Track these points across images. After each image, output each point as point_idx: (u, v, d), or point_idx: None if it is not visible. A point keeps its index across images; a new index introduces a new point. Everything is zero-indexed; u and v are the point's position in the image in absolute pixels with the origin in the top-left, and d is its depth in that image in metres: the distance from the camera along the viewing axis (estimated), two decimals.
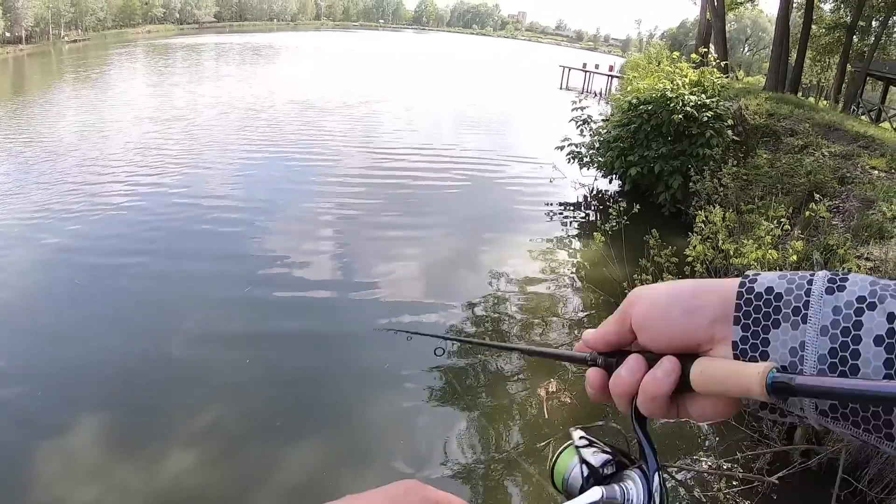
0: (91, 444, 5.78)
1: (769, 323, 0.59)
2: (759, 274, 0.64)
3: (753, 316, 0.60)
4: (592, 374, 0.72)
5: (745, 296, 0.61)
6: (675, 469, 5.90)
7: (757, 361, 0.59)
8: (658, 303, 0.66)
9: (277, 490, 5.37)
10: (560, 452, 0.76)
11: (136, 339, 7.60)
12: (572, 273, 10.82)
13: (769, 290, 0.60)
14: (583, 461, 0.74)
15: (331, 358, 7.56)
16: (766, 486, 5.40)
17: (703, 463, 6.02)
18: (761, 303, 0.60)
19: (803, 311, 0.58)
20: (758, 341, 0.60)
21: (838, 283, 0.58)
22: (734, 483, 5.56)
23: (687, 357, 0.63)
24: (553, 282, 10.21)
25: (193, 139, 18.62)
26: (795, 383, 0.54)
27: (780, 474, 5.38)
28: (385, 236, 11.62)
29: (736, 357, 0.61)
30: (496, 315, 8.82)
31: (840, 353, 0.55)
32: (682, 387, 0.63)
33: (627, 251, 8.54)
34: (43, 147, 17.41)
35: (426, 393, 6.90)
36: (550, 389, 6.82)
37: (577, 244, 12.54)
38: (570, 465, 0.73)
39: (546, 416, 6.43)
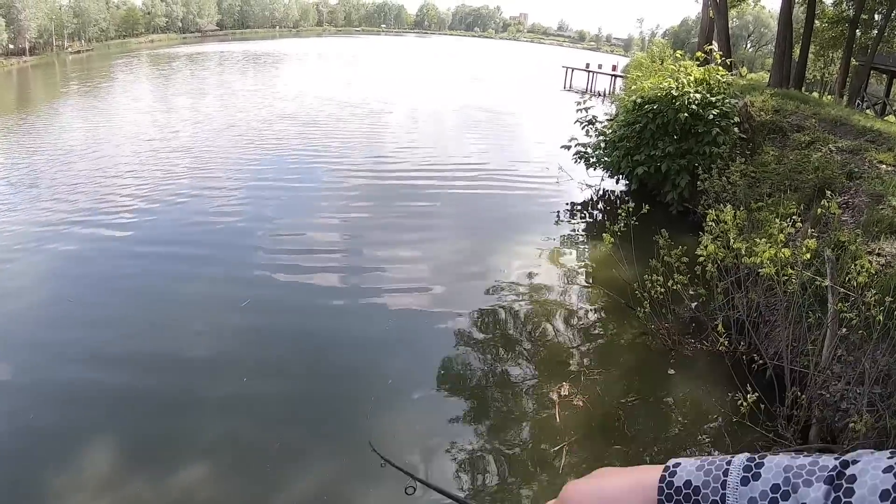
0: (101, 458, 5.76)
1: None
2: (679, 464, 0.66)
3: None
4: None
5: (666, 490, 0.64)
6: None
7: None
8: (588, 502, 0.69)
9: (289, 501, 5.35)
10: None
11: (145, 349, 7.60)
12: (581, 274, 10.79)
13: (687, 483, 0.63)
14: None
15: (339, 367, 7.53)
16: None
17: None
18: (681, 497, 0.63)
19: None
20: None
21: (753, 470, 0.60)
22: None
23: None
24: (562, 283, 10.18)
25: (198, 149, 18.65)
26: None
27: None
28: (392, 240, 11.61)
29: None
30: (505, 317, 8.79)
31: None
32: None
33: (636, 251, 8.50)
34: (47, 158, 17.48)
35: (438, 397, 6.88)
36: (563, 393, 6.78)
37: (585, 245, 12.50)
38: None
39: (558, 421, 6.39)
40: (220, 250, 10.85)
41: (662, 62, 18.76)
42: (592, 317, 9.04)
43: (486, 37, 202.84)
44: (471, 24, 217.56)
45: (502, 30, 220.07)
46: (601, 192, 15.96)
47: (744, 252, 6.54)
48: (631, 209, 8.03)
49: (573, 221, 14.07)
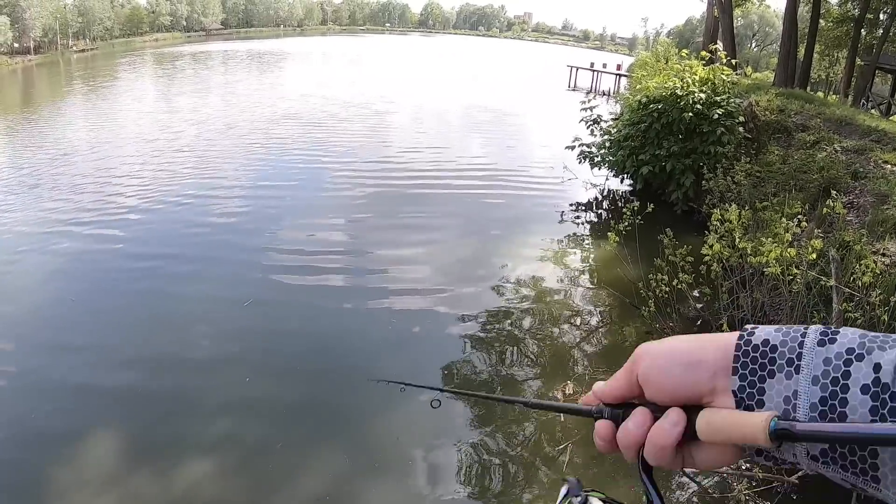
0: (103, 456, 5.79)
1: (765, 373, 0.64)
2: (757, 327, 0.67)
3: (750, 367, 0.64)
4: (601, 426, 0.77)
5: (743, 347, 0.65)
6: (695, 471, 5.87)
7: (753, 409, 0.64)
8: (661, 359, 0.70)
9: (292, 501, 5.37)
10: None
11: (148, 348, 7.63)
12: (586, 273, 10.80)
13: (765, 342, 0.64)
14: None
15: (341, 365, 7.54)
16: (786, 486, 5.37)
17: None
18: (758, 354, 0.64)
19: (797, 362, 0.62)
20: (754, 390, 0.64)
21: (830, 336, 0.61)
22: (754, 483, 5.52)
23: (691, 408, 0.67)
24: (567, 283, 10.20)
25: (201, 150, 18.66)
26: (797, 430, 0.58)
27: (799, 474, 5.34)
28: (396, 240, 11.61)
29: (735, 404, 0.65)
30: (509, 316, 8.80)
31: (830, 402, 0.59)
32: (687, 437, 0.67)
33: (641, 250, 8.51)
34: (51, 157, 17.53)
35: (442, 396, 6.87)
36: (567, 392, 6.80)
37: (590, 244, 12.51)
38: None
39: (562, 420, 6.40)
40: (223, 251, 10.86)
41: (667, 61, 18.78)
42: (597, 316, 9.05)
43: (491, 36, 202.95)
44: (475, 23, 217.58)
45: (506, 29, 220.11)
46: (606, 192, 15.95)
47: (749, 251, 6.55)
48: (636, 208, 8.03)
49: (578, 221, 14.08)
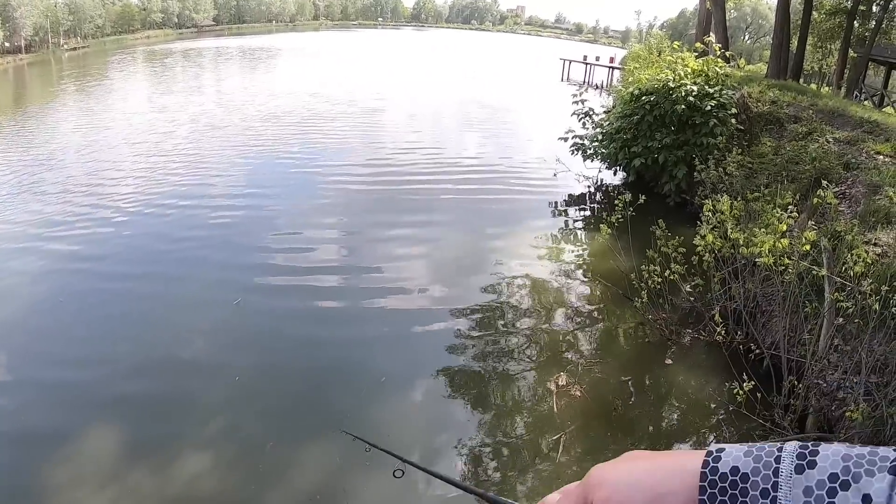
0: (102, 452, 5.78)
1: None
2: (724, 450, 0.61)
3: (720, 498, 0.58)
4: None
5: (710, 477, 0.59)
6: None
7: None
8: (620, 492, 0.64)
9: (287, 496, 5.36)
10: None
11: (142, 347, 7.59)
12: (579, 265, 10.80)
13: (734, 470, 0.58)
14: None
15: (336, 362, 7.53)
16: None
17: None
18: (727, 484, 0.58)
19: (772, 494, 0.55)
20: None
21: (808, 458, 0.55)
22: None
23: None
24: (560, 274, 10.19)
25: (192, 149, 18.40)
26: None
27: None
28: (390, 235, 11.59)
29: None
30: (503, 309, 8.80)
31: None
32: None
33: (634, 242, 8.52)
34: (40, 158, 17.41)
35: (436, 390, 6.89)
36: (561, 383, 6.80)
37: (583, 236, 12.51)
38: None
39: (556, 411, 6.41)
40: (214, 250, 10.76)
41: (660, 54, 18.76)
42: (590, 307, 9.05)
43: (484, 30, 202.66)
44: (468, 16, 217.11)
45: (499, 22, 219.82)
46: (599, 184, 15.96)
47: (741, 242, 6.55)
48: (628, 200, 8.03)
49: (571, 213, 14.08)
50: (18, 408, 6.48)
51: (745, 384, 5.60)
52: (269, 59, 58.22)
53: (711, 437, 6.26)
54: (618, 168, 15.32)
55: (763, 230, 6.52)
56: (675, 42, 18.68)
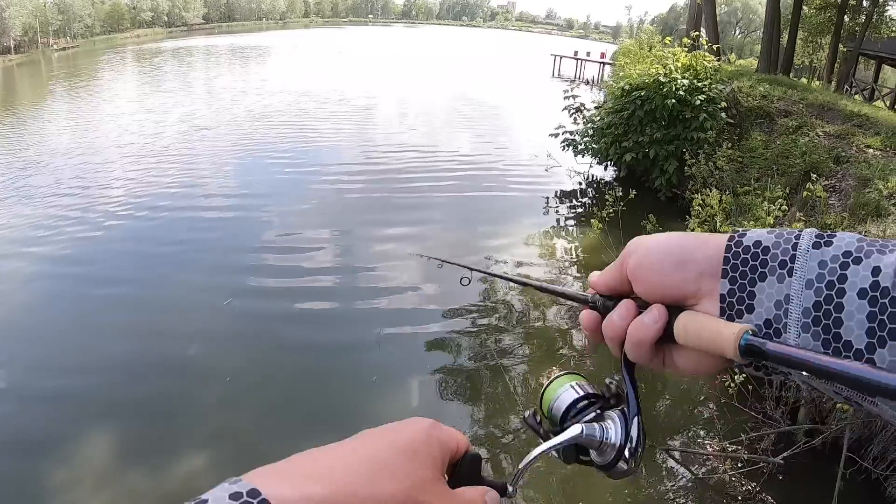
0: (97, 456, 5.77)
1: (756, 276, 0.60)
2: (749, 229, 0.64)
3: (741, 269, 0.62)
4: (588, 315, 0.75)
5: (734, 249, 0.62)
6: (680, 451, 5.91)
7: (743, 314, 0.61)
8: (651, 254, 0.67)
9: None
10: (554, 379, 0.77)
11: (133, 349, 7.55)
12: (570, 260, 10.83)
13: (757, 243, 0.61)
14: (573, 387, 0.74)
15: (327, 360, 7.54)
16: (772, 466, 5.42)
17: (708, 445, 6.03)
18: (749, 256, 0.61)
19: (790, 265, 0.59)
20: (744, 294, 0.61)
21: (826, 238, 0.58)
22: (739, 464, 5.57)
23: (676, 309, 0.64)
24: (551, 270, 10.22)
25: (183, 149, 18.23)
26: (767, 349, 0.55)
27: (784, 454, 5.39)
28: (381, 234, 11.55)
29: (723, 310, 0.62)
30: (495, 305, 8.81)
31: (824, 307, 0.55)
32: (669, 338, 0.64)
33: (625, 237, 8.53)
34: (30, 160, 17.33)
35: (430, 385, 6.90)
36: (552, 376, 6.81)
37: (574, 231, 12.53)
38: (559, 392, 0.75)
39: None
40: (204, 252, 10.68)
41: (651, 49, 18.78)
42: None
43: (475, 26, 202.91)
44: (458, 13, 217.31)
45: (490, 19, 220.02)
46: (590, 179, 15.98)
47: None
48: (619, 195, 8.05)
49: (562, 208, 14.08)
50: (11, 412, 6.45)
51: (737, 377, 5.63)
52: (260, 57, 57.97)
53: (703, 431, 6.30)
54: (609, 163, 15.34)
55: (752, 223, 6.55)
56: (667, 38, 18.65)
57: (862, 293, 0.53)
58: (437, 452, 0.59)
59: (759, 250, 0.61)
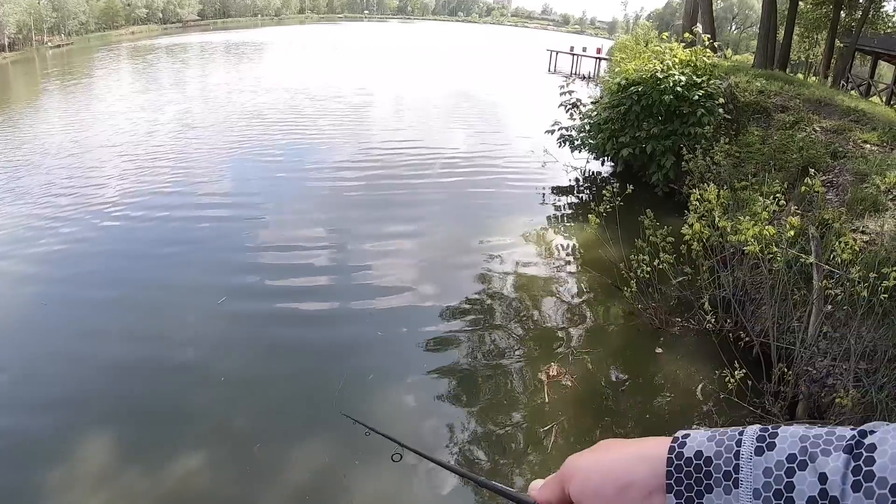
0: (92, 457, 5.74)
1: (702, 488, 0.60)
2: (689, 435, 0.64)
3: (685, 482, 0.61)
4: None
5: (675, 462, 0.62)
6: None
7: None
8: (590, 480, 0.67)
9: (284, 491, 5.34)
10: None
11: (127, 350, 7.51)
12: (568, 255, 10.81)
13: (698, 454, 0.61)
14: None
15: (323, 359, 7.51)
16: None
17: None
18: (692, 468, 0.61)
19: (734, 475, 0.58)
20: None
21: (767, 440, 0.58)
22: None
23: None
24: (549, 265, 10.20)
25: (177, 147, 18.13)
26: None
27: None
28: (378, 231, 11.50)
29: None
30: (493, 301, 8.79)
31: None
32: None
33: (622, 232, 8.53)
34: (21, 160, 17.26)
35: (427, 383, 6.88)
36: (552, 373, 6.81)
37: (571, 227, 12.51)
38: None
39: (547, 401, 6.42)
40: (199, 251, 10.61)
41: (647, 44, 18.79)
42: (580, 298, 9.07)
43: (470, 21, 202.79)
44: (454, 8, 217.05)
45: (486, 14, 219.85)
46: (587, 175, 15.98)
47: (729, 230, 6.57)
48: (616, 190, 8.04)
49: (559, 204, 14.07)
50: (3, 416, 6.42)
51: (735, 372, 5.63)
52: (254, 53, 57.82)
53: (702, 427, 6.28)
54: (605, 158, 15.35)
55: (748, 218, 6.55)
56: (664, 33, 18.64)
57: (811, 501, 0.53)
58: None
59: (701, 461, 0.61)
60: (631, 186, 8.34)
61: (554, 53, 47.58)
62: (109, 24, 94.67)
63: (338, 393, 6.56)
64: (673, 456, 0.62)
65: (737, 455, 0.58)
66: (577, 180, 15.64)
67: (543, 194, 14.46)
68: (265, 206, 12.73)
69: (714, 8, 28.58)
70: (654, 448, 0.64)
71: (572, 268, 10.25)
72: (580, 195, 14.90)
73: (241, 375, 6.98)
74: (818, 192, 7.00)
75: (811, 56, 43.85)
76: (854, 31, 29.21)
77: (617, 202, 8.01)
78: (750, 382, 5.92)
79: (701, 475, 0.60)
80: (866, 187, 8.60)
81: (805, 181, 6.89)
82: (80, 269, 9.92)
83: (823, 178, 9.22)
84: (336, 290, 9.16)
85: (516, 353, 7.46)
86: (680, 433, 0.65)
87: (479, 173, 15.80)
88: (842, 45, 31.39)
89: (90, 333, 7.96)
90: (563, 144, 15.51)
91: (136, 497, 5.25)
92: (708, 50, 14.49)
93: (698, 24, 22.81)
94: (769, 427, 0.60)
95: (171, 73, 40.81)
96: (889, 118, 12.41)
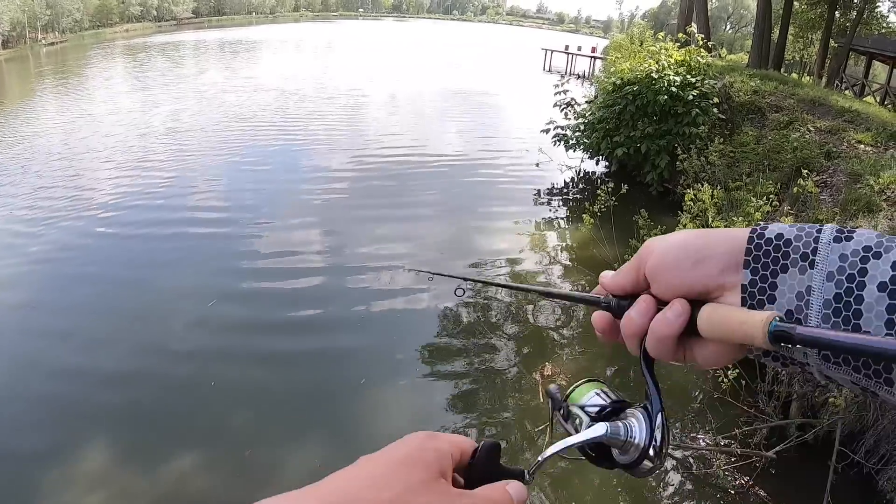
0: (85, 461, 5.73)
1: (777, 267, 0.62)
2: (771, 223, 0.65)
3: (763, 260, 0.63)
4: (601, 316, 0.76)
5: (756, 241, 0.63)
6: (674, 447, 5.91)
7: (764, 305, 0.62)
8: (669, 254, 0.68)
9: (281, 485, 5.34)
10: (580, 384, 0.77)
11: (119, 353, 7.47)
12: (562, 255, 10.82)
13: (779, 236, 0.62)
14: (598, 394, 0.75)
15: (321, 357, 7.52)
16: (764, 460, 5.43)
17: (701, 440, 6.04)
18: (771, 248, 0.62)
19: (811, 257, 0.60)
20: (766, 285, 0.62)
21: (846, 234, 0.59)
22: (732, 459, 5.59)
23: (696, 302, 0.65)
24: (543, 264, 10.22)
25: (171, 147, 18.02)
26: (796, 333, 0.55)
27: (777, 448, 5.41)
28: (373, 232, 11.47)
29: (744, 300, 0.63)
30: (487, 301, 8.80)
31: (844, 298, 0.57)
32: (690, 331, 0.65)
33: (616, 232, 8.54)
34: (14, 160, 17.18)
35: (423, 382, 6.89)
36: (546, 373, 6.82)
37: (566, 226, 12.53)
38: (585, 396, 0.75)
39: (541, 401, 6.42)
40: (191, 254, 10.55)
41: (642, 44, 18.80)
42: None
43: (465, 20, 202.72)
44: (449, 7, 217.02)
45: (481, 13, 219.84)
46: (581, 174, 15.99)
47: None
48: (610, 190, 8.06)
49: (553, 204, 14.09)
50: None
51: (729, 372, 5.65)
52: (248, 52, 57.61)
53: (696, 425, 6.31)
54: (600, 158, 15.36)
55: (741, 218, 6.57)
56: (659, 33, 18.66)
57: (881, 286, 0.55)
58: (433, 457, 0.60)
59: (780, 242, 0.62)
60: (625, 186, 8.37)
61: (549, 52, 47.56)
62: (104, 22, 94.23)
63: (326, 394, 6.57)
64: (754, 235, 0.64)
65: (816, 240, 0.60)
66: (571, 180, 15.65)
67: (538, 193, 14.47)
68: (260, 209, 12.67)
69: (709, 7, 28.63)
70: (736, 231, 0.66)
71: (567, 267, 10.26)
72: (575, 195, 14.91)
73: (234, 380, 6.96)
74: (812, 192, 7.03)
75: (806, 56, 43.94)
76: (848, 32, 29.28)
77: (611, 202, 8.03)
78: (744, 382, 5.94)
79: (779, 255, 0.61)
80: (860, 188, 8.62)
81: (799, 182, 6.92)
82: (72, 271, 9.88)
83: (817, 178, 9.24)
84: (329, 294, 9.13)
85: (511, 352, 7.48)
86: (762, 222, 0.67)
87: (473, 174, 15.80)
88: (836, 45, 31.47)
89: (80, 338, 7.89)
90: (557, 144, 15.51)
91: (128, 500, 5.25)
92: (702, 50, 14.52)
93: (693, 24, 22.85)
94: (847, 227, 0.61)
95: (164, 73, 40.63)
96: (883, 119, 12.46)
